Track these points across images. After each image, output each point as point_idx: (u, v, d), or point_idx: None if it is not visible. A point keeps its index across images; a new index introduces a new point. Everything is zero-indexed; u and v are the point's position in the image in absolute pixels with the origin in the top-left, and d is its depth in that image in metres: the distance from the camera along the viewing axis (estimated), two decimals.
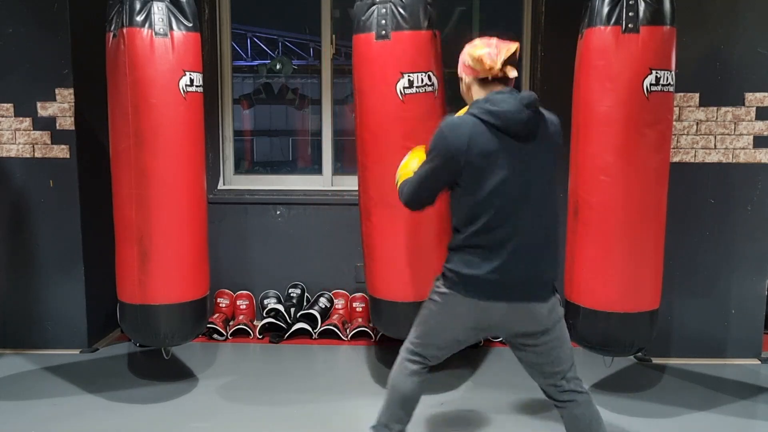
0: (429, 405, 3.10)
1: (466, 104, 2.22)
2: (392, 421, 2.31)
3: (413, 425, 2.92)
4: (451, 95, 2.80)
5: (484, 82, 2.14)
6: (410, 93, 2.95)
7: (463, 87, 2.24)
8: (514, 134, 2.06)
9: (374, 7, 2.95)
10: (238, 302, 4.27)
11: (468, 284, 2.12)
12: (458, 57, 2.24)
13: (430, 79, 2.98)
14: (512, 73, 2.11)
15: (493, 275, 2.08)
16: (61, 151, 3.65)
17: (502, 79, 2.13)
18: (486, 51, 2.10)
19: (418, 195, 2.23)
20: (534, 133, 2.08)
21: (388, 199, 2.92)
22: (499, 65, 2.09)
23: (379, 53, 2.97)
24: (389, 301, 3.15)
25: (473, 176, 2.08)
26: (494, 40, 2.15)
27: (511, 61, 2.12)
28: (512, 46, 2.13)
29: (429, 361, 2.31)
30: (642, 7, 2.69)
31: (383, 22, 2.92)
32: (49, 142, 3.65)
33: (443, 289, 2.18)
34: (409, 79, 2.95)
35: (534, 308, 2.13)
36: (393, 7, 2.92)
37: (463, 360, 3.56)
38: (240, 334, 4.06)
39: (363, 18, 2.98)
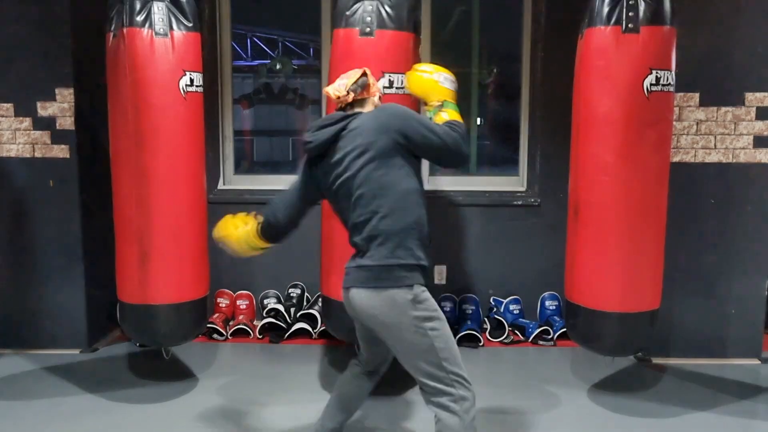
0: None
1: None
2: (327, 419, 2.45)
3: (414, 424, 2.93)
4: None
5: (349, 107, 2.28)
6: (389, 93, 2.91)
7: None
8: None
9: (360, 3, 2.93)
10: (238, 302, 4.27)
11: None
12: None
13: None
14: (349, 96, 2.25)
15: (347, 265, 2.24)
16: (61, 151, 3.65)
17: (359, 101, 2.27)
18: (335, 85, 2.27)
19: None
20: (325, 154, 2.21)
21: None
22: (343, 92, 2.24)
23: (361, 50, 2.94)
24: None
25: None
26: (353, 71, 2.28)
27: (357, 85, 2.25)
28: (356, 73, 2.27)
29: (365, 362, 2.43)
30: (642, 7, 2.69)
31: (368, 19, 2.91)
32: (49, 141, 3.65)
33: None
34: (389, 80, 2.93)
35: (355, 294, 2.17)
36: (380, 5, 2.91)
37: (463, 360, 3.54)
38: (240, 334, 4.06)
39: (348, 13, 2.96)
